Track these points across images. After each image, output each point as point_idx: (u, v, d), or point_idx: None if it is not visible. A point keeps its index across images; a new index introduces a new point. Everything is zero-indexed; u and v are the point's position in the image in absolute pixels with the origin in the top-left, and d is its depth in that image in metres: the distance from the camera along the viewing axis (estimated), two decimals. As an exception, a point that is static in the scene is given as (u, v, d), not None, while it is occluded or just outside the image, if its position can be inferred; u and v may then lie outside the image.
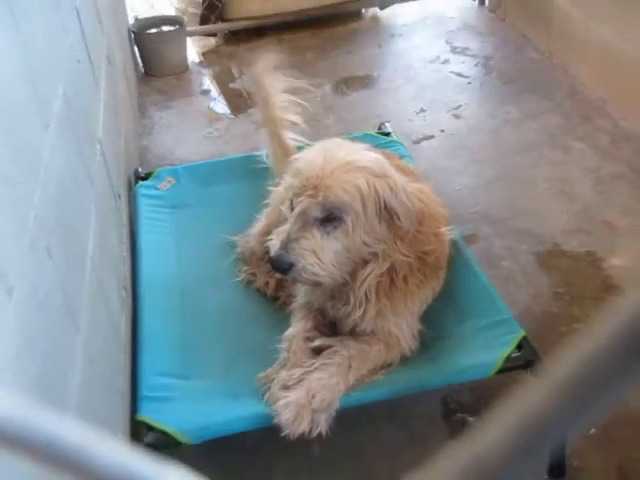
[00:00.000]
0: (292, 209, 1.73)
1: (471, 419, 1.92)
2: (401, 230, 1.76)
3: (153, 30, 4.17)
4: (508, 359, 1.77)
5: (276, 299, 2.16)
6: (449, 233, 1.96)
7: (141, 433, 1.65)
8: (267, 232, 2.00)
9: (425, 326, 1.92)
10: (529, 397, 0.22)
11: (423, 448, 1.86)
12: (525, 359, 1.78)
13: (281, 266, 1.71)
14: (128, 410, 1.75)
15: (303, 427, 1.62)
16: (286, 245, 1.70)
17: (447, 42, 4.23)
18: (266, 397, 1.72)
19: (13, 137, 1.18)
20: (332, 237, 1.71)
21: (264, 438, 1.78)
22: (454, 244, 2.04)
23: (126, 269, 2.17)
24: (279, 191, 2.18)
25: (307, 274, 1.71)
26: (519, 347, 1.80)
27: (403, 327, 1.85)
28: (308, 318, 1.90)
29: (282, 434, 1.63)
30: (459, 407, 1.96)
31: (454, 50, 4.14)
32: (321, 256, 1.69)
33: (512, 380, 1.86)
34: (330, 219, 1.70)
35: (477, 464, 0.22)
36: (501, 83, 3.74)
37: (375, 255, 1.77)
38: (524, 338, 1.82)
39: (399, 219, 1.73)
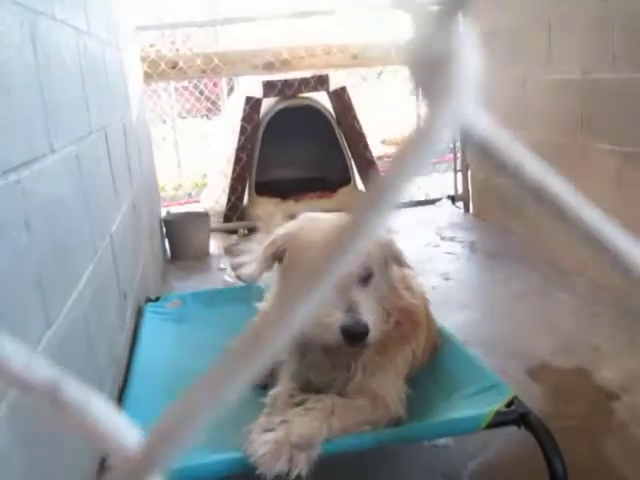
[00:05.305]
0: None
1: None
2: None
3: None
4: (498, 414, 1.51)
5: (265, 387, 1.92)
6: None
7: None
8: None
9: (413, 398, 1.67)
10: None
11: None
12: (517, 413, 1.52)
13: (365, 330, 1.50)
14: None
15: (281, 465, 1.34)
16: (353, 310, 1.51)
17: (437, 234, 4.27)
18: (245, 444, 1.44)
19: (66, 266, 1.34)
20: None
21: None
22: (442, 333, 1.86)
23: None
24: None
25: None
26: (509, 405, 1.55)
27: (388, 386, 1.61)
28: (293, 380, 1.67)
29: (257, 472, 1.34)
30: None
31: (443, 238, 4.16)
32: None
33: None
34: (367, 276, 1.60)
35: None
36: (485, 258, 3.69)
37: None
38: (514, 397, 1.57)
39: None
